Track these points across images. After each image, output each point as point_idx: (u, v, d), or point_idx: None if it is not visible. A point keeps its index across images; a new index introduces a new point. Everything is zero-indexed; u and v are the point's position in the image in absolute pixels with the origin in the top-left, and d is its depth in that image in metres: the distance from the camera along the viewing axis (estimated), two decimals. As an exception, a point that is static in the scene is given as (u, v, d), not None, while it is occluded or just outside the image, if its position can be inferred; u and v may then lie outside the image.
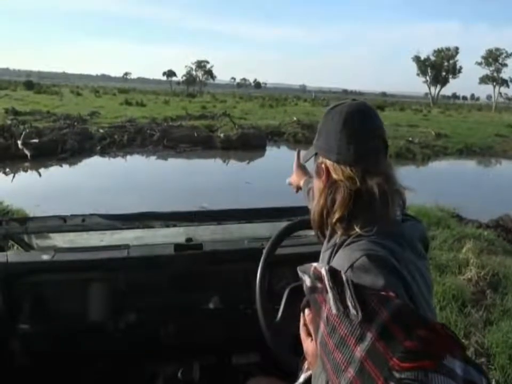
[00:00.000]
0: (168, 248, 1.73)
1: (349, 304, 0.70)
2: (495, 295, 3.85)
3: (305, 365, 0.99)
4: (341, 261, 0.85)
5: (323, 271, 0.74)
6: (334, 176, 0.95)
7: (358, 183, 0.90)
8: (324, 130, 1.00)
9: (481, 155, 16.56)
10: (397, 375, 0.61)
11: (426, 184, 10.27)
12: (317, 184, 1.02)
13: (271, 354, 1.19)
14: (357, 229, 0.89)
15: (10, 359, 1.62)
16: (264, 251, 1.35)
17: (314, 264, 0.77)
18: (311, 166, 1.12)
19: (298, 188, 1.53)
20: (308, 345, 0.88)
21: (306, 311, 0.87)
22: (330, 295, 0.72)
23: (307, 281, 0.78)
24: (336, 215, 0.92)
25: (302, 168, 1.55)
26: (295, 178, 1.55)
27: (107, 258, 1.67)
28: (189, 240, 1.79)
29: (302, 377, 1.00)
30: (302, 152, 1.24)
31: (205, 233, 1.95)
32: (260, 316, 1.24)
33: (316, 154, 1.03)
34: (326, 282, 0.73)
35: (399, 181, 0.96)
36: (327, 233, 0.99)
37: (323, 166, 0.97)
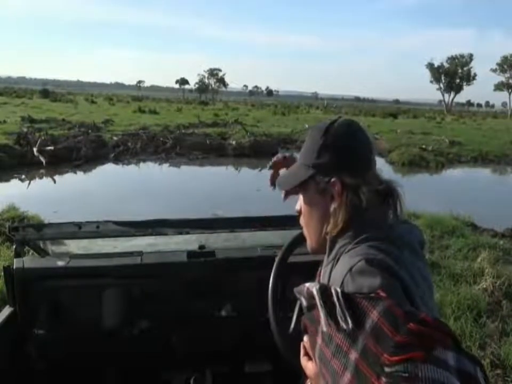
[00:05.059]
0: (181, 255, 1.74)
1: (339, 318, 0.71)
2: (511, 306, 3.78)
3: (308, 382, 1.00)
4: (340, 268, 0.88)
5: (314, 290, 0.76)
6: (351, 190, 0.94)
7: (359, 193, 0.93)
8: (330, 148, 0.98)
9: (497, 163, 16.33)
10: (387, 369, 0.61)
11: (440, 192, 10.19)
12: (321, 204, 1.00)
13: (284, 363, 1.19)
14: (355, 236, 0.92)
15: (26, 364, 1.64)
16: (277, 259, 1.35)
17: (307, 284, 0.78)
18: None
19: None
20: (310, 368, 0.89)
21: (305, 338, 0.88)
22: (321, 313, 0.74)
23: (303, 301, 0.80)
24: (339, 224, 0.94)
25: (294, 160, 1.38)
26: None
27: (121, 265, 1.69)
28: (201, 247, 1.80)
29: None
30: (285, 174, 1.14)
31: (218, 241, 1.96)
32: (273, 325, 1.23)
33: (315, 173, 0.99)
34: (317, 300, 0.75)
35: (398, 187, 0.98)
36: (328, 247, 1.00)
37: (334, 183, 0.95)
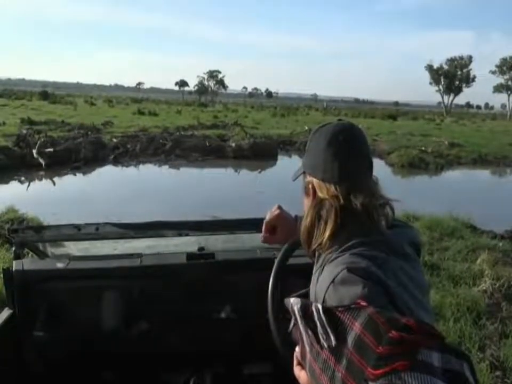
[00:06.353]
0: (181, 257, 1.74)
1: (320, 337, 0.71)
2: (511, 307, 3.78)
3: None
4: (324, 278, 0.88)
5: (295, 309, 0.76)
6: (320, 194, 0.97)
7: (342, 201, 0.93)
8: (311, 149, 1.02)
9: (496, 164, 16.34)
10: None
11: (439, 194, 10.19)
12: (306, 203, 1.04)
13: (283, 364, 1.19)
14: (341, 244, 0.91)
15: (26, 366, 1.64)
16: (276, 261, 1.35)
17: (292, 299, 0.78)
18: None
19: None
20: (303, 378, 0.90)
21: (297, 349, 0.88)
22: (303, 333, 0.75)
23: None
24: (325, 233, 0.94)
25: (287, 220, 1.33)
26: (280, 235, 1.33)
27: (120, 266, 1.69)
28: (201, 249, 1.80)
29: None
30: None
31: (217, 243, 1.96)
32: (272, 326, 1.23)
33: (304, 173, 1.04)
34: (298, 320, 0.75)
35: (385, 195, 0.98)
36: (316, 254, 1.00)
37: (310, 185, 1.00)
